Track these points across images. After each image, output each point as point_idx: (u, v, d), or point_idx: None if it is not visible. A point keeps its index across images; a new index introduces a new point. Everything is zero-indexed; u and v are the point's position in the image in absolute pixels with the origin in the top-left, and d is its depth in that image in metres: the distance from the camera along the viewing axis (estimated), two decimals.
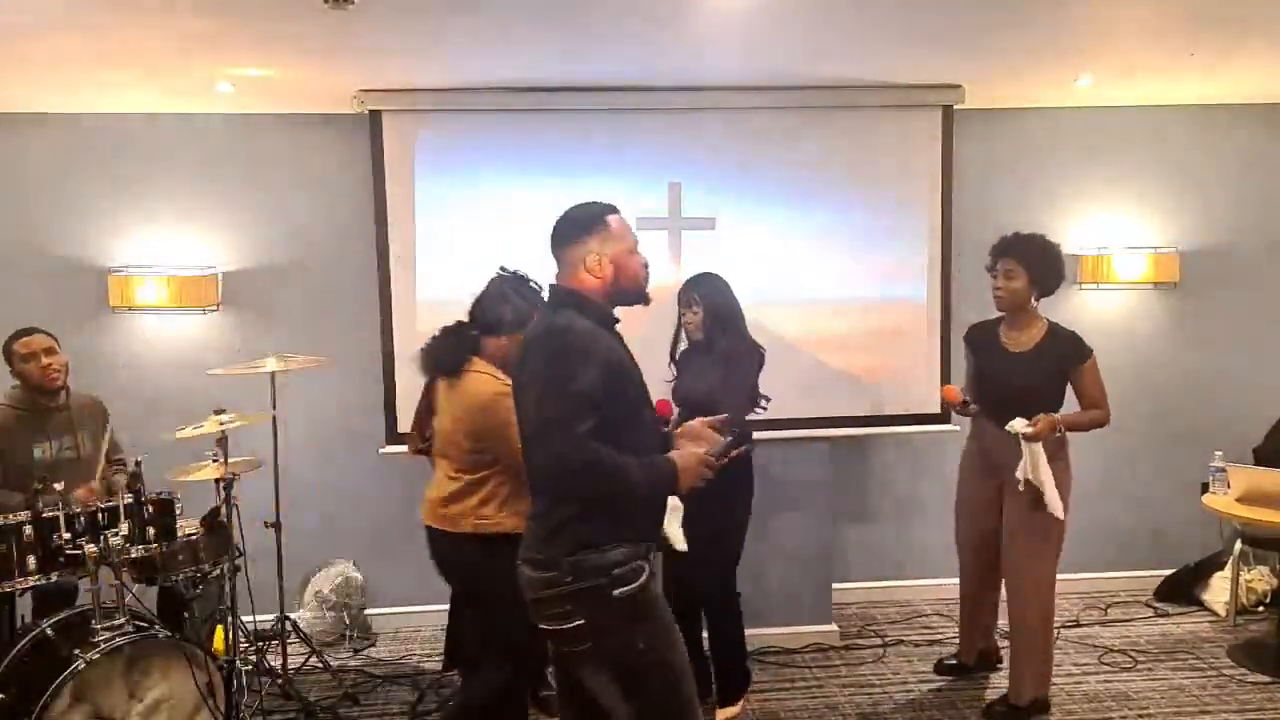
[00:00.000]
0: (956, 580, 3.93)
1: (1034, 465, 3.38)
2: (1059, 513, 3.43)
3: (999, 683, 3.85)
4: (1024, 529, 3.52)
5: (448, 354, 3.02)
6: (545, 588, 2.21)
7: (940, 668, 4.03)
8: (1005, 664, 3.81)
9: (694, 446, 2.29)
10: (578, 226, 2.32)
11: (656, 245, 4.37)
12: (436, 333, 3.11)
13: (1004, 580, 3.71)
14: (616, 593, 2.15)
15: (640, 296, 2.36)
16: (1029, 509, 3.46)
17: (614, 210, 2.36)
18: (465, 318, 3.14)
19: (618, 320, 2.37)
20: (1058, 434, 3.45)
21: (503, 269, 3.12)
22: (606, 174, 4.35)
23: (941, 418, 4.54)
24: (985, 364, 3.64)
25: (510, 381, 2.47)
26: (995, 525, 3.64)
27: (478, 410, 2.90)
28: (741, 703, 3.74)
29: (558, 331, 2.22)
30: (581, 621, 2.17)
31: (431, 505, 3.08)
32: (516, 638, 2.79)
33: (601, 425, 2.14)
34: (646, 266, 2.37)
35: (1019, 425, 3.39)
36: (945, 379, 4.47)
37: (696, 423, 2.44)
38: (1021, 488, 3.43)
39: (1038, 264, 3.49)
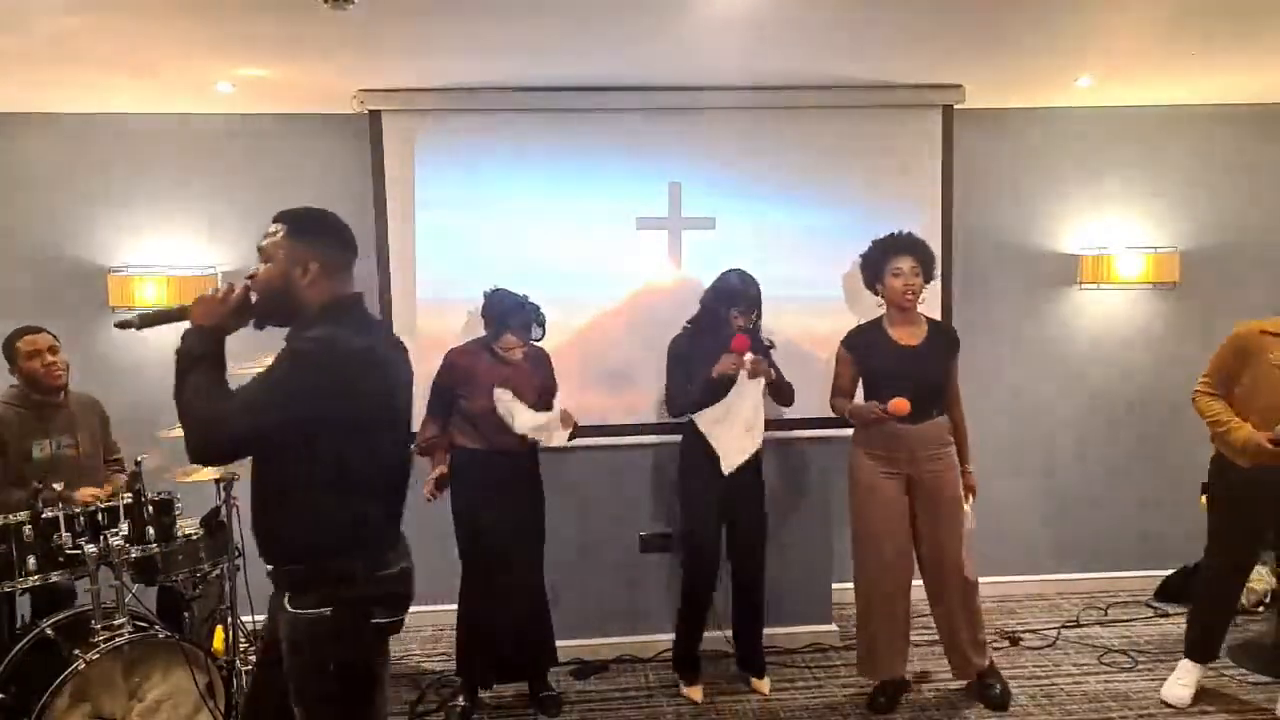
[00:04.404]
0: None
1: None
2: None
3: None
4: (946, 511, 3.65)
5: None
6: None
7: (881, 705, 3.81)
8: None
9: None
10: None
11: (656, 245, 4.39)
12: None
13: (925, 566, 3.73)
14: None
15: None
16: (950, 496, 3.66)
17: None
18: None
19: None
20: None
21: None
22: (606, 174, 4.35)
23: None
24: (881, 363, 3.67)
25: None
26: (907, 522, 3.70)
27: None
28: None
29: None
30: None
31: None
32: None
33: None
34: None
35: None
36: None
37: None
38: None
39: (929, 259, 3.71)
